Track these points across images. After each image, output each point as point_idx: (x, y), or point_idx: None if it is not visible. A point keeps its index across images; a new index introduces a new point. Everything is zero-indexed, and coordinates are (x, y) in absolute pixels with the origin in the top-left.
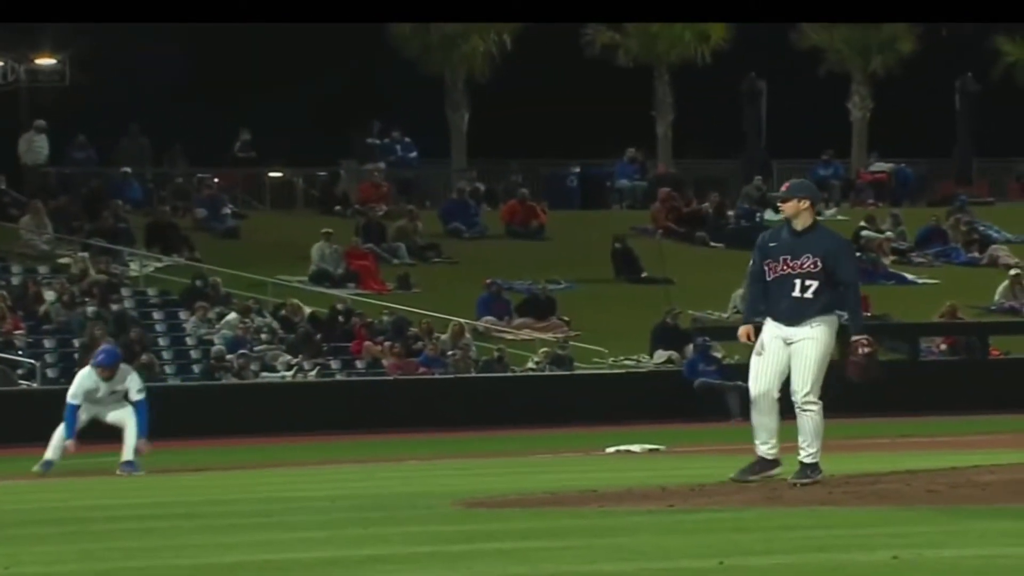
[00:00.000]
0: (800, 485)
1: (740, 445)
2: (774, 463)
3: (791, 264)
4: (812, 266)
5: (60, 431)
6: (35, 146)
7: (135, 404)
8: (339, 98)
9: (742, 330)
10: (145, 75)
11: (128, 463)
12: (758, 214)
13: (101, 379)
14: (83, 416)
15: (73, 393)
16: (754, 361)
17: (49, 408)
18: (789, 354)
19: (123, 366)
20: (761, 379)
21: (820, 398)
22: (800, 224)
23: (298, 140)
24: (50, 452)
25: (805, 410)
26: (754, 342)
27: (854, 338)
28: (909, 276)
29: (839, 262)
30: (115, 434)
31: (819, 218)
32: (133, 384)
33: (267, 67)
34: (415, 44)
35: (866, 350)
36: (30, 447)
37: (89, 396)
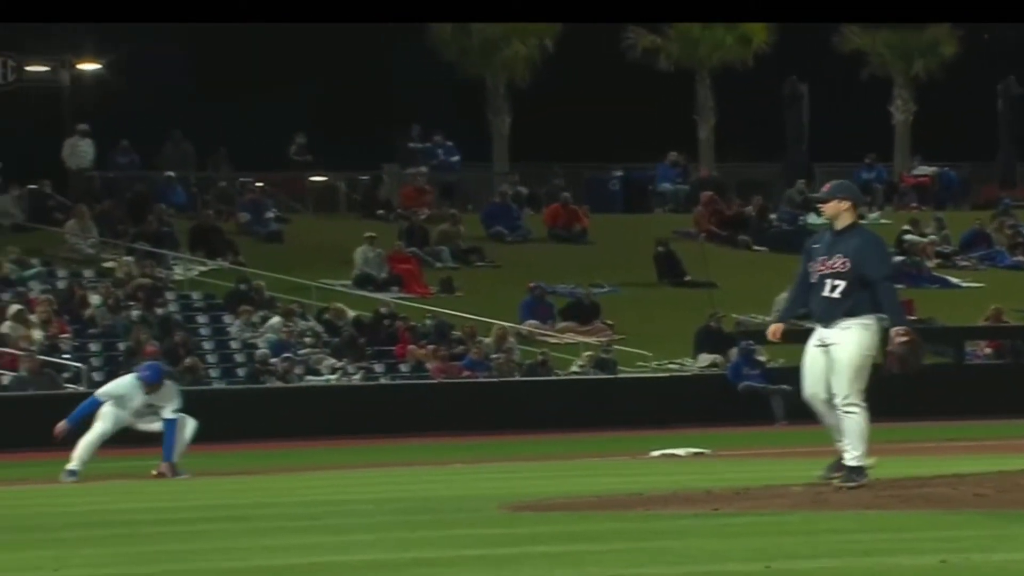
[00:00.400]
0: (846, 488)
1: (785, 448)
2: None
3: (826, 264)
4: (841, 266)
5: (85, 440)
6: (79, 150)
7: (166, 422)
8: (380, 102)
9: (772, 328)
10: (185, 79)
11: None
12: (801, 217)
13: (143, 392)
14: (110, 424)
15: (105, 392)
16: (802, 365)
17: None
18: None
19: (168, 383)
20: (806, 383)
21: (865, 400)
22: (839, 225)
23: (340, 144)
24: (75, 462)
25: (846, 413)
26: (780, 342)
27: (892, 330)
28: (953, 280)
29: (865, 260)
30: (149, 439)
31: (862, 221)
32: (171, 404)
33: (307, 70)
34: (455, 48)
35: (903, 339)
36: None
37: (122, 403)
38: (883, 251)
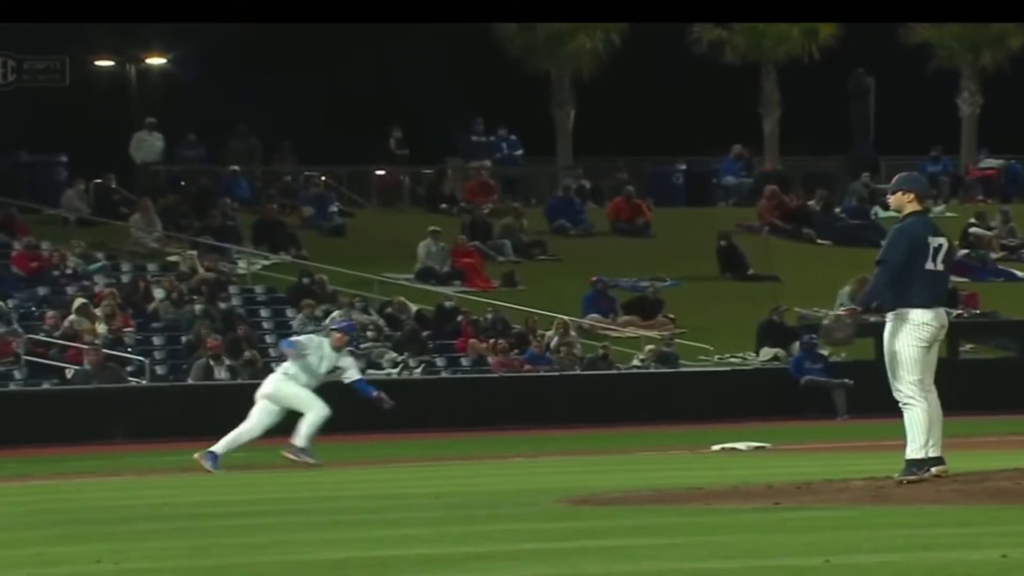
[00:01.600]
0: (905, 481)
1: (847, 443)
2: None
3: None
4: (879, 257)
5: (241, 429)
6: (147, 144)
7: (356, 381)
8: (443, 96)
9: None
10: (252, 73)
11: (302, 449)
12: (874, 211)
13: (332, 348)
14: (269, 420)
15: (296, 339)
16: None
17: (157, 405)
18: None
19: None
20: None
21: (922, 392)
22: (902, 216)
23: (403, 138)
24: (220, 445)
25: (902, 406)
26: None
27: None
28: (1019, 273)
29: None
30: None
31: (929, 214)
32: (352, 366)
33: (370, 65)
34: (521, 41)
35: (841, 312)
36: (139, 444)
37: (310, 363)
38: (894, 238)
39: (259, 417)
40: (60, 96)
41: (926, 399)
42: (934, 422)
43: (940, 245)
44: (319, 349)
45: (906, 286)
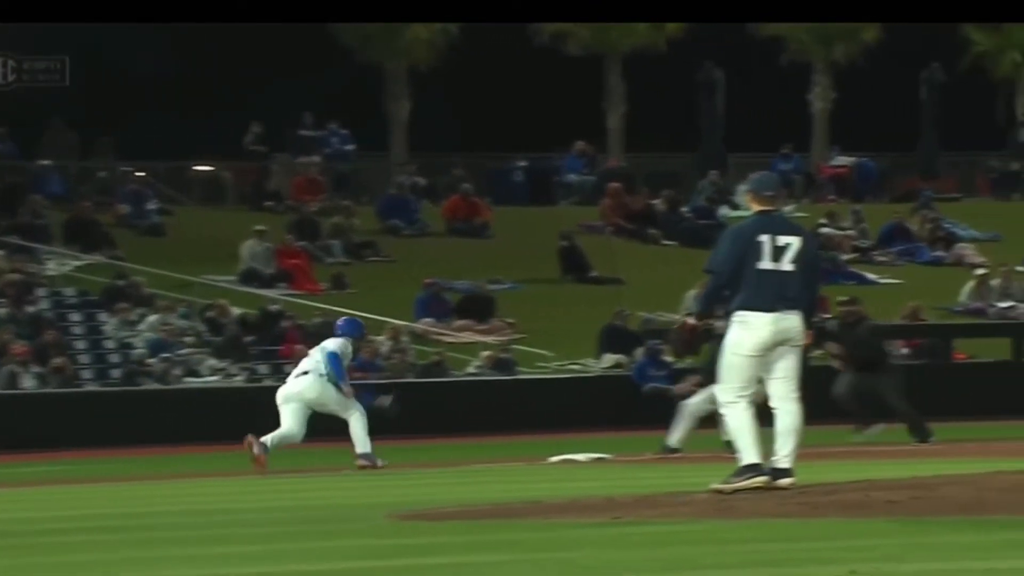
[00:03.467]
0: (731, 482)
1: (692, 454)
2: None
3: None
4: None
5: (361, 431)
6: None
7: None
8: (271, 87)
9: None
10: (73, 62)
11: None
12: (721, 211)
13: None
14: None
15: (336, 346)
16: None
17: None
18: None
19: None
20: None
21: (738, 398)
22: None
23: (228, 131)
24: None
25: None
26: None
27: None
28: (870, 275)
29: None
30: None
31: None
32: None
33: (198, 53)
34: (354, 31)
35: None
36: None
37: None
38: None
39: (297, 420)
40: None
41: (743, 402)
42: (787, 431)
43: (787, 244)
44: (348, 351)
45: (738, 289)
